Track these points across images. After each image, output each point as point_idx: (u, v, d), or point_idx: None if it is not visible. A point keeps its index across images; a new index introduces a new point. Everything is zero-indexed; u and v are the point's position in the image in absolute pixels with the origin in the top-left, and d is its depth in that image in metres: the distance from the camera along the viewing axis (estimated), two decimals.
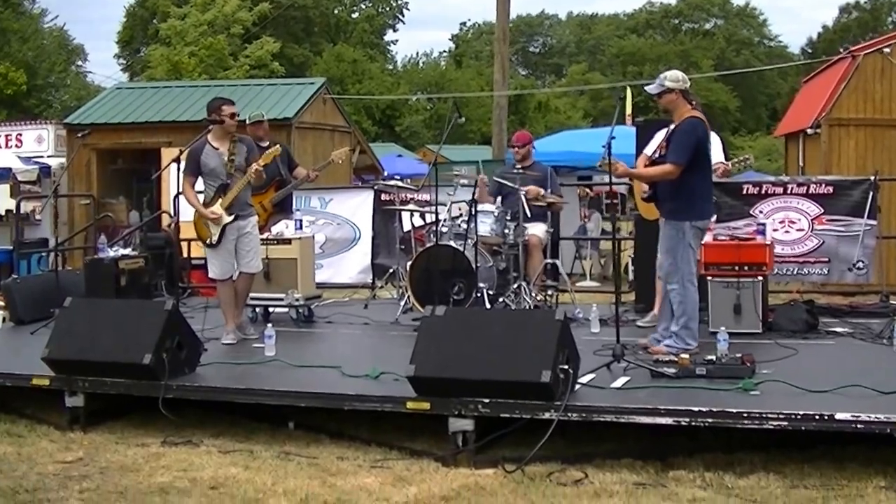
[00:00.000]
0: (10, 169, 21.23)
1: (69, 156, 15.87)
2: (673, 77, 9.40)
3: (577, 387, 7.81)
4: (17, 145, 24.18)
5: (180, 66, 45.20)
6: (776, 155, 47.44)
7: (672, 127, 9.44)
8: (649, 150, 10.47)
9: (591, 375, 8.35)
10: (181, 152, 10.45)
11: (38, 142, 24.00)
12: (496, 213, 11.80)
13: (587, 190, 21.81)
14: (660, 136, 10.08)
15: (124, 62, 67.31)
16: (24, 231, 20.04)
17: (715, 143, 10.84)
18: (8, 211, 20.60)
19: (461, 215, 11.83)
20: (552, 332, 7.61)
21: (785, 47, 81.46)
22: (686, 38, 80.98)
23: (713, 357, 8.41)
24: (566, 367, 7.56)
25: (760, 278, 10.58)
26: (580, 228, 20.86)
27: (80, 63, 62.27)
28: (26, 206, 20.48)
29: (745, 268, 10.52)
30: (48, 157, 23.26)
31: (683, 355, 8.49)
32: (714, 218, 10.96)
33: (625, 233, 16.67)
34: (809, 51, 72.68)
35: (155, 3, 61.35)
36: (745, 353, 8.57)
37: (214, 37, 49.34)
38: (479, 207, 11.60)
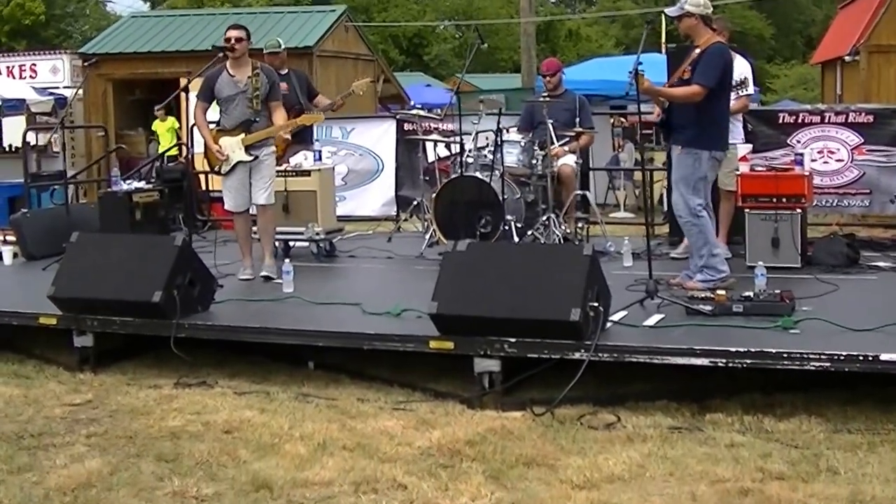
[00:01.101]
0: (25, 100, 20.85)
1: (83, 86, 15.50)
2: (694, 1, 8.96)
3: (609, 325, 7.56)
4: (31, 76, 23.81)
5: None
6: (812, 84, 46.75)
7: (697, 52, 9.00)
8: None
9: (624, 313, 8.05)
10: (188, 82, 10.08)
11: (53, 72, 23.59)
12: (523, 143, 11.41)
13: (621, 119, 21.34)
14: None
15: None
16: (41, 163, 19.83)
17: (746, 70, 10.43)
18: (26, 143, 20.25)
19: (487, 145, 11.47)
20: (581, 267, 7.29)
21: None
22: None
23: (751, 293, 8.09)
24: (596, 304, 7.26)
25: (799, 211, 10.18)
26: (613, 159, 20.45)
27: None
28: (43, 138, 20.19)
29: (784, 199, 10.15)
30: (64, 87, 22.83)
31: (720, 291, 8.16)
32: (750, 148, 10.56)
33: (658, 164, 16.26)
34: None
35: None
36: (784, 289, 8.22)
37: None
38: (506, 137, 11.28)
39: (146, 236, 10.77)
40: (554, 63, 12.32)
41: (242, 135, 10.03)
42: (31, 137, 18.60)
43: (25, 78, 23.70)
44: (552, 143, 11.31)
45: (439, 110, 13.94)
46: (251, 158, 10.04)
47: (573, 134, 11.63)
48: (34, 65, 24.07)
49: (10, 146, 21.27)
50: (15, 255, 12.13)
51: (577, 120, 11.64)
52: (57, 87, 22.71)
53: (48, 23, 48.05)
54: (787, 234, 10.09)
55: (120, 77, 21.70)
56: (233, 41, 10.03)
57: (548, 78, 11.97)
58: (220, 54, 10.15)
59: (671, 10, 9.14)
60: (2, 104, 20.35)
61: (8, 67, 24.31)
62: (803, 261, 10.18)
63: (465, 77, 12.30)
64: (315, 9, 25.88)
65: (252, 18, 21.56)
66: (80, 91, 21.09)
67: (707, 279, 8.92)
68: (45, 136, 20.46)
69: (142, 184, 13.20)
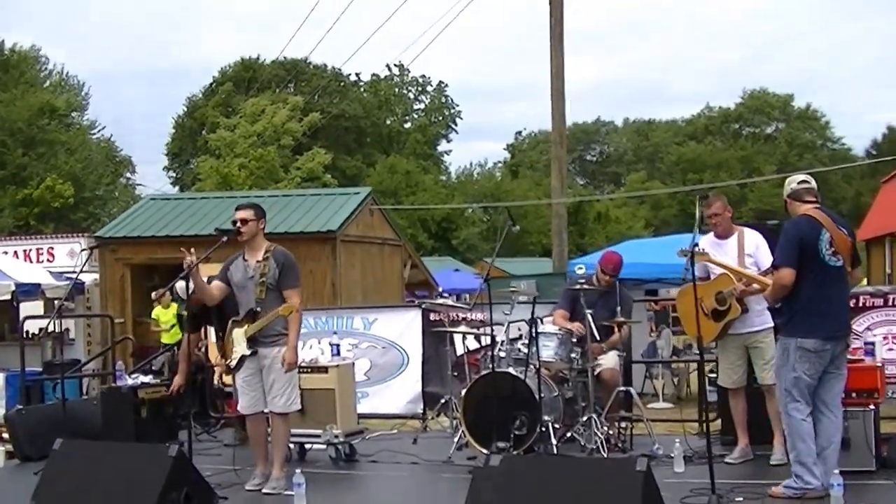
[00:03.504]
0: (39, 284, 20.22)
1: (82, 268, 14.90)
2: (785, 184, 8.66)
3: None
4: (48, 259, 23.44)
5: (230, 179, 44.74)
6: None
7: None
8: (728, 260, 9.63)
9: None
10: (190, 267, 9.17)
11: (71, 256, 23.15)
12: (560, 336, 10.60)
13: (652, 303, 20.51)
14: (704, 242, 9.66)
15: (174, 174, 67.64)
16: (55, 351, 19.19)
17: (759, 243, 9.83)
18: (41, 329, 19.59)
19: (520, 337, 10.86)
20: (634, 486, 6.39)
21: (848, 150, 79.85)
22: (747, 143, 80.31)
23: None
24: None
25: (872, 407, 9.14)
26: (650, 346, 19.54)
27: (128, 175, 62.49)
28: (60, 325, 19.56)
29: (854, 395, 9.12)
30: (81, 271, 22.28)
31: None
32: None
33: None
34: (874, 153, 71.43)
35: (203, 114, 62.04)
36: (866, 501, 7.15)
37: (264, 148, 49.11)
38: (541, 328, 10.48)
39: (137, 445, 9.92)
40: (617, 260, 11.44)
41: (246, 326, 9.21)
42: (33, 325, 18.17)
43: (42, 261, 23.34)
44: (595, 339, 10.58)
45: (469, 297, 13.13)
46: (249, 352, 9.19)
47: (614, 325, 10.84)
48: (51, 248, 23.75)
49: (28, 333, 20.53)
50: (11, 455, 11.33)
51: (619, 310, 10.84)
52: (74, 272, 22.13)
53: (77, 206, 48.20)
54: (859, 433, 9.04)
55: (138, 262, 21.05)
56: (238, 223, 9.35)
57: (608, 277, 11.19)
58: (224, 238, 9.38)
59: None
60: (16, 289, 19.69)
61: (25, 251, 23.95)
62: (878, 463, 9.12)
63: (491, 261, 11.44)
64: (338, 191, 25.34)
65: (274, 201, 20.92)
66: (97, 276, 20.69)
67: (792, 486, 8.08)
68: (64, 322, 19.83)
69: (149, 378, 12.38)
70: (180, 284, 9.53)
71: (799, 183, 8.49)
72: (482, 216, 64.44)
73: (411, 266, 25.07)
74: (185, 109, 68.74)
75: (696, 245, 8.28)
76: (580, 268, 17.30)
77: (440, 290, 24.96)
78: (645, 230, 66.04)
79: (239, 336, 9.24)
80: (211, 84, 68.67)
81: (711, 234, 9.98)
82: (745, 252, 9.70)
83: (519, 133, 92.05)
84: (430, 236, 58.42)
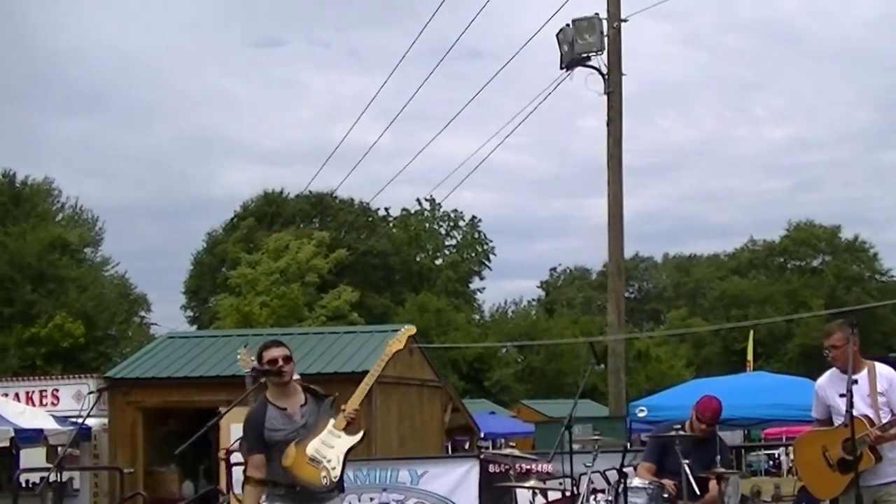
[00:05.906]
0: (42, 430, 19.06)
1: (88, 414, 13.69)
2: None
3: None
4: (52, 403, 22.23)
5: (251, 318, 43.92)
6: None
7: None
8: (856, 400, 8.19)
9: None
10: (219, 417, 7.70)
11: (77, 399, 21.84)
12: (650, 491, 9.49)
13: None
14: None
15: (192, 313, 66.94)
16: None
17: (893, 380, 8.69)
18: (42, 478, 18.24)
19: (597, 491, 9.91)
20: None
21: None
22: (793, 277, 79.44)
23: None
24: None
25: None
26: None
27: (143, 314, 61.20)
28: (65, 474, 18.31)
29: None
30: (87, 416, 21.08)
31: None
32: None
33: (766, 496, 14.14)
34: None
35: (223, 251, 61.80)
36: None
37: (288, 286, 48.44)
38: (629, 482, 9.39)
39: None
40: (718, 407, 10.30)
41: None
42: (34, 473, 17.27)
43: (46, 405, 22.18)
44: (693, 495, 9.40)
45: (504, 441, 11.79)
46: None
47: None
48: (56, 390, 22.65)
49: (28, 482, 19.24)
50: None
51: (718, 460, 9.69)
52: (80, 416, 20.87)
53: (88, 346, 47.04)
54: None
55: (151, 405, 20.18)
56: (280, 362, 7.78)
57: (705, 426, 10.11)
58: (262, 380, 7.90)
59: None
60: (16, 435, 18.32)
61: (27, 392, 22.84)
62: None
63: (573, 407, 10.05)
64: (374, 328, 24.15)
65: (304, 339, 19.98)
66: (106, 420, 20.05)
67: None
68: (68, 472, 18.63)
69: None
70: None
71: None
72: (517, 356, 63.22)
73: (452, 410, 23.76)
74: (205, 245, 68.47)
75: (856, 382, 7.47)
76: (641, 410, 15.83)
77: (482, 434, 23.51)
78: (687, 369, 64.72)
79: (328, 438, 7.70)
80: (232, 219, 68.55)
81: (834, 369, 8.76)
82: (877, 390, 8.41)
83: (553, 269, 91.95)
84: (461, 377, 57.15)
